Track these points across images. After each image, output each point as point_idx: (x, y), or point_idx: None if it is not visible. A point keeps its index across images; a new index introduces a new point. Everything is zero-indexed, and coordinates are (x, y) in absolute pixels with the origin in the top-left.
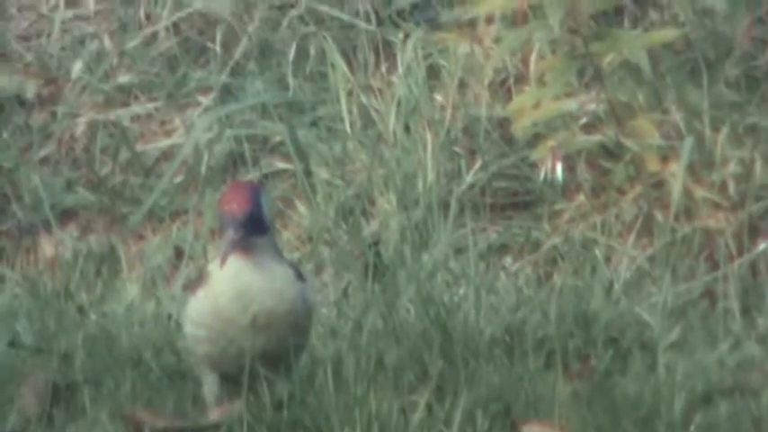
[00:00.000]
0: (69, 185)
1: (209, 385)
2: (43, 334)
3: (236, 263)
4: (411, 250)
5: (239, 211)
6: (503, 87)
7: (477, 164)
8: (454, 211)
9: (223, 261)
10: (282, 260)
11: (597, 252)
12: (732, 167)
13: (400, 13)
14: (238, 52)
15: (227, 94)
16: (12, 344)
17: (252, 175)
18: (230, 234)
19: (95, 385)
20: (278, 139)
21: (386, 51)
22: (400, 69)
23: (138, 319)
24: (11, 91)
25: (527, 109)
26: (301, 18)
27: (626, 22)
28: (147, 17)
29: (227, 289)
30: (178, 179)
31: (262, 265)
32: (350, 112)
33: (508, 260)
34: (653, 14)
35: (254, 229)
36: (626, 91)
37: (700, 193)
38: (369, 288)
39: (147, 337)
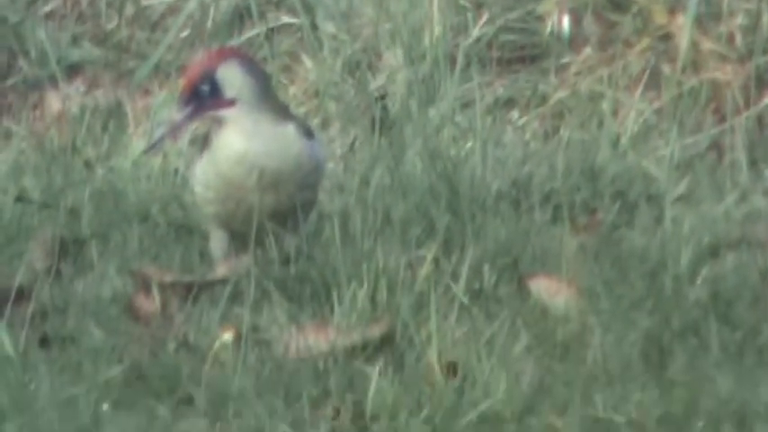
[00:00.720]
0: (75, 40)
1: (217, 241)
2: (50, 189)
3: (231, 130)
4: (418, 104)
5: (184, 89)
6: None
7: (485, 17)
8: (461, 65)
9: (152, 147)
10: (286, 118)
11: (604, 105)
12: (740, 19)
13: None
14: None
15: None
16: (19, 199)
17: (257, 29)
18: (170, 115)
19: (103, 240)
20: None
21: None
22: None
23: (144, 173)
24: None
25: None
26: None
27: None
28: None
29: (229, 154)
30: (184, 33)
31: (257, 130)
32: None
33: (515, 114)
34: None
35: (207, 105)
36: None
37: (707, 45)
38: (375, 142)
39: (153, 192)
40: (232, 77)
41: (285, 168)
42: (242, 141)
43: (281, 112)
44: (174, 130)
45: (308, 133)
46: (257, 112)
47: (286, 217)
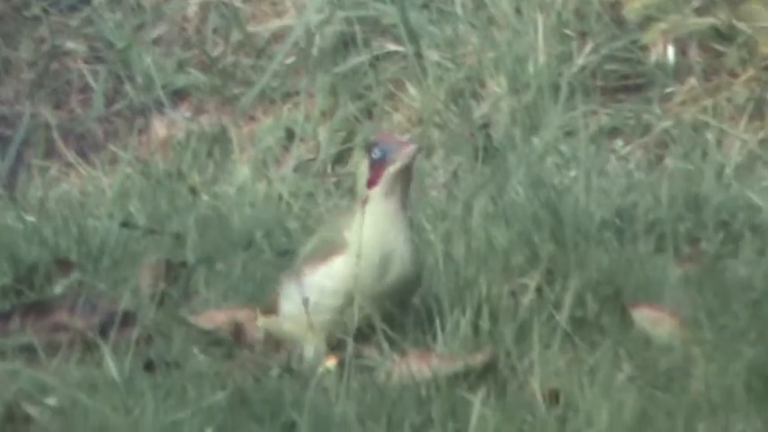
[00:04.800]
0: (181, 66)
1: (316, 352)
2: (155, 215)
3: (379, 220)
4: (521, 132)
5: (405, 144)
6: None
7: (588, 46)
8: (565, 94)
9: (399, 170)
10: (409, 223)
11: (708, 135)
12: None
13: None
14: None
15: None
16: (125, 224)
17: (362, 56)
18: (411, 149)
19: (208, 265)
20: (389, 20)
21: None
22: None
23: (249, 200)
24: None
25: None
26: None
27: None
28: None
29: (373, 259)
30: (289, 60)
31: (401, 227)
32: None
33: (619, 143)
34: None
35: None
36: None
37: None
38: (478, 170)
39: (257, 218)
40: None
41: (413, 275)
42: (390, 243)
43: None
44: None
45: None
46: (404, 209)
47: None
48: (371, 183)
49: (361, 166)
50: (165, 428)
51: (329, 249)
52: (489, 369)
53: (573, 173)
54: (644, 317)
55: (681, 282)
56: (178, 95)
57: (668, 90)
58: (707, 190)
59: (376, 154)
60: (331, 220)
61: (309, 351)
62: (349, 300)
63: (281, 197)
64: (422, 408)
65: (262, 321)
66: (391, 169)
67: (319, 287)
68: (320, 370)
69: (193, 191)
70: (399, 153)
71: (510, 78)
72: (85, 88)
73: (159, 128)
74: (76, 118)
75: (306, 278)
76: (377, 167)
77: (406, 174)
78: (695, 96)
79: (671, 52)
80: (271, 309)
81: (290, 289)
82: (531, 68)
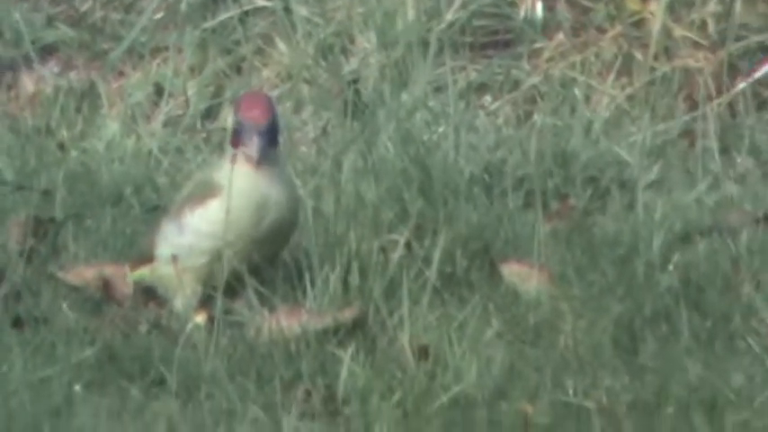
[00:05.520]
0: (50, 21)
1: (191, 297)
2: (24, 170)
3: (250, 174)
4: (390, 88)
5: (262, 118)
6: None
7: (458, 2)
8: (434, 50)
9: (260, 164)
10: (286, 168)
11: (576, 91)
12: (712, 6)
13: None
14: None
15: None
16: None
17: (231, 11)
18: (256, 142)
19: (77, 221)
20: None
21: None
22: None
23: (118, 155)
24: None
25: None
26: None
27: None
28: None
29: (248, 202)
30: (158, 15)
31: (274, 175)
32: None
33: (487, 99)
34: None
35: (272, 140)
36: None
37: (679, 32)
38: (348, 126)
39: (127, 174)
40: (281, 122)
41: (289, 219)
42: (265, 187)
43: (284, 158)
44: (263, 153)
45: None
46: (280, 157)
47: (264, 264)
48: (234, 144)
49: (228, 120)
50: (33, 385)
51: (204, 192)
52: (359, 325)
53: (442, 129)
54: (513, 272)
55: (549, 237)
56: (47, 50)
57: (537, 46)
58: (575, 146)
59: (234, 123)
60: (205, 165)
61: (179, 303)
62: (221, 242)
63: (150, 152)
64: (291, 363)
65: (132, 275)
66: (242, 154)
67: (196, 228)
68: (189, 325)
69: (62, 146)
70: (248, 139)
71: (379, 34)
72: None
73: (28, 83)
74: None
75: (183, 219)
76: (235, 135)
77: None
78: (563, 52)
79: (539, 8)
80: (145, 257)
81: (167, 230)
82: (400, 24)
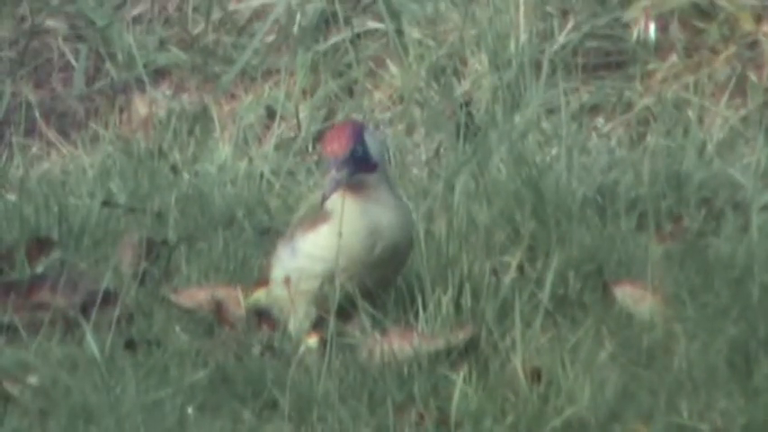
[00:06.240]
0: (162, 44)
1: (305, 318)
2: (136, 193)
3: (359, 200)
4: (503, 110)
5: (340, 150)
6: None
7: (570, 23)
8: (546, 71)
9: (324, 199)
10: (396, 192)
11: (690, 112)
12: None
13: None
14: None
15: None
16: (105, 203)
17: (343, 34)
18: (333, 174)
19: (189, 244)
20: None
21: None
22: None
23: (230, 178)
24: None
25: None
26: None
27: None
28: None
29: (358, 227)
30: (270, 38)
31: (382, 200)
32: None
33: (600, 120)
34: None
35: (358, 167)
36: None
37: None
38: (460, 148)
39: (238, 197)
40: (373, 143)
41: (403, 243)
42: (376, 212)
43: (394, 184)
44: (337, 187)
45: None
46: (387, 181)
47: (379, 288)
48: None
49: None
50: (145, 407)
51: (315, 216)
52: (471, 347)
53: (554, 150)
54: (626, 294)
55: (662, 259)
56: (159, 74)
57: (650, 67)
58: (688, 167)
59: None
60: (318, 187)
61: (293, 325)
62: (334, 266)
63: (261, 175)
64: (403, 386)
65: (248, 297)
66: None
67: (308, 252)
68: (302, 348)
69: (174, 169)
70: (326, 174)
71: (491, 56)
72: (66, 66)
73: (140, 106)
74: (57, 96)
75: (296, 243)
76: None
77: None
78: (676, 73)
79: (652, 29)
80: (259, 280)
81: (282, 253)
82: (512, 46)
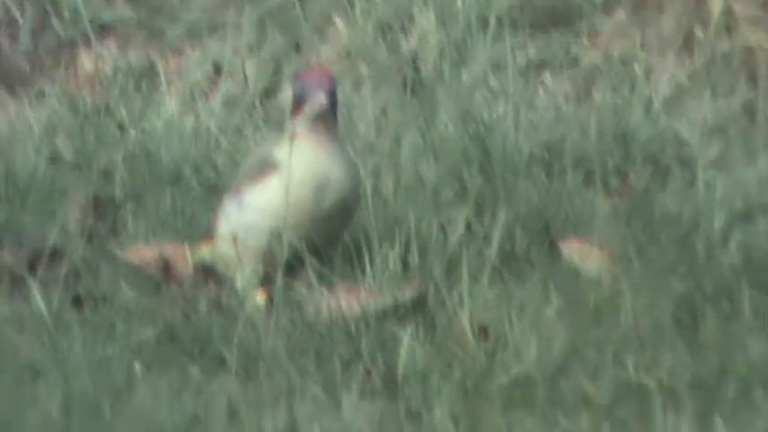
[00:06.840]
0: (108, 0)
1: (253, 276)
2: (83, 150)
3: (310, 151)
4: (450, 67)
5: (327, 84)
6: None
7: None
8: (493, 27)
9: (312, 118)
10: (344, 147)
11: (637, 68)
12: None
13: None
14: None
15: None
16: (52, 159)
17: None
18: (321, 96)
19: (136, 201)
20: None
21: None
22: None
23: (177, 134)
24: None
25: None
26: None
27: None
28: None
29: (307, 178)
30: None
31: (332, 153)
32: None
33: (547, 76)
34: None
35: (333, 111)
36: None
37: (741, 9)
38: (407, 104)
39: (186, 153)
40: (339, 96)
41: (352, 197)
42: (326, 164)
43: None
44: (321, 109)
45: None
46: (336, 133)
47: (325, 244)
48: (294, 114)
49: (287, 95)
50: (93, 364)
51: (264, 169)
52: (418, 303)
53: (501, 107)
54: (573, 251)
55: (609, 215)
56: (105, 29)
57: (597, 23)
58: (635, 124)
59: (296, 89)
60: (265, 141)
61: (239, 282)
62: (283, 221)
63: (209, 132)
64: (351, 342)
65: (193, 254)
66: (306, 110)
67: (256, 205)
68: (249, 304)
69: (121, 126)
70: (312, 96)
71: (438, 12)
72: (12, 22)
73: (86, 62)
74: (3, 53)
75: (244, 197)
76: (297, 102)
77: (324, 112)
78: (623, 30)
79: None
80: (206, 236)
81: (228, 207)
82: (459, 2)
